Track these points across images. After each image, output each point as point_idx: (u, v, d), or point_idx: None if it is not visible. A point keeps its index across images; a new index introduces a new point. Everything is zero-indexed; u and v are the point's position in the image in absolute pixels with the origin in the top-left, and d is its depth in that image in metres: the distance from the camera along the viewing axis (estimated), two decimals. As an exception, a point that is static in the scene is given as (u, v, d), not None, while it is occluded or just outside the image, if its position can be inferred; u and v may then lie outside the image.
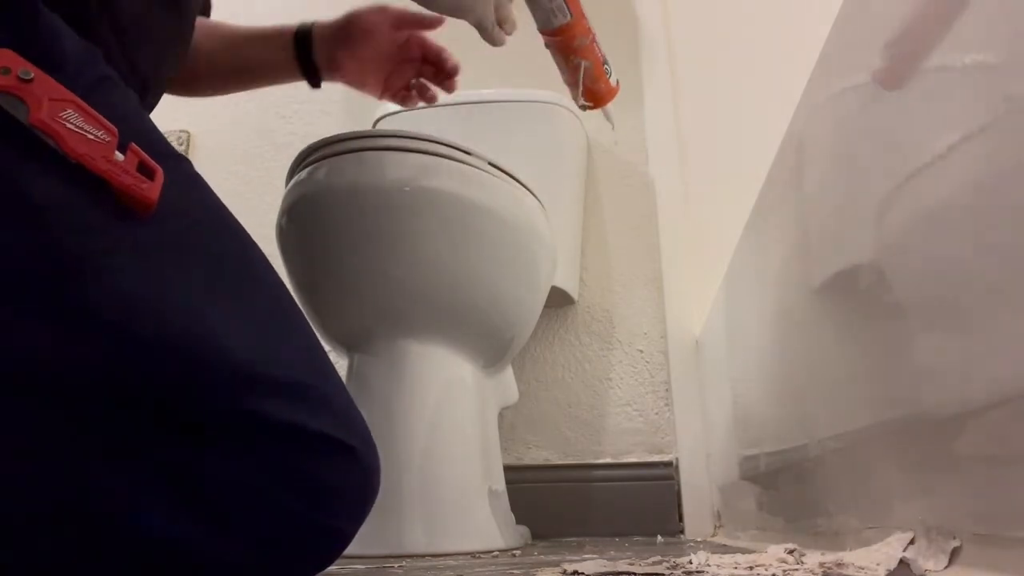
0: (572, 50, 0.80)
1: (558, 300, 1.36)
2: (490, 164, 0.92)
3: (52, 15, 0.50)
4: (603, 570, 0.45)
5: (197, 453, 0.44)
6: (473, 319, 0.93)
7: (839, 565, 0.42)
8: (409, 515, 0.83)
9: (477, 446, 0.94)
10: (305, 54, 0.83)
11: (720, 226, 0.98)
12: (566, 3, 0.77)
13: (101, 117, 0.46)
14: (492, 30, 0.71)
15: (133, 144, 0.46)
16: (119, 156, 0.46)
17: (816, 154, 0.58)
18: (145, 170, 0.46)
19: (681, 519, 1.27)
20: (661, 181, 1.44)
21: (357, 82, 0.85)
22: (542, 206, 1.01)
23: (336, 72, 0.84)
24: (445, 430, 0.90)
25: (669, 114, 1.46)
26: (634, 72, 1.51)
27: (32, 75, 0.45)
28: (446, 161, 0.88)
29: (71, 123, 0.45)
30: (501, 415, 1.12)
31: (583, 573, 0.45)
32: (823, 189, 0.56)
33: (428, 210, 0.87)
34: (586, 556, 0.63)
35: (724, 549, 0.71)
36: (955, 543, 0.39)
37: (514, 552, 0.87)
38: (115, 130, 0.46)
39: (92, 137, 0.45)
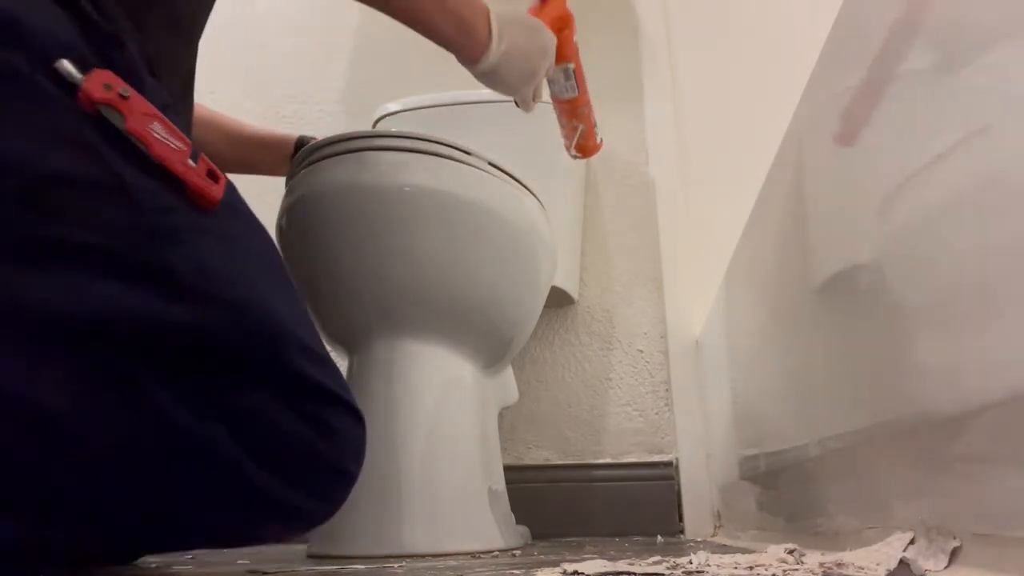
0: (574, 115, 1.02)
1: (558, 300, 1.36)
2: (490, 164, 0.92)
3: (133, 51, 0.62)
4: (603, 570, 0.45)
5: (249, 400, 0.56)
6: (473, 319, 0.93)
7: (839, 565, 0.42)
8: (409, 515, 0.83)
9: (477, 446, 0.94)
10: None
11: (720, 226, 0.98)
12: (576, 83, 0.98)
13: (178, 131, 0.59)
14: (528, 103, 0.91)
15: (203, 154, 0.60)
16: (191, 163, 0.59)
17: (816, 154, 0.58)
18: (212, 175, 0.60)
19: (681, 519, 1.27)
20: (661, 181, 1.44)
21: None
22: (542, 206, 1.01)
23: None
24: (445, 430, 0.90)
25: (669, 114, 1.46)
26: (634, 72, 1.51)
27: (129, 93, 0.58)
28: (446, 161, 0.88)
29: (157, 133, 0.58)
30: (501, 415, 1.12)
31: (583, 573, 0.45)
32: (823, 189, 0.56)
33: (428, 210, 0.87)
34: (586, 556, 0.63)
35: (724, 549, 0.71)
36: (955, 543, 0.39)
37: (514, 552, 0.87)
38: (189, 142, 0.59)
39: (172, 146, 0.58)
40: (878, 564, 0.40)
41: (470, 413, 0.94)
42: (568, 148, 1.06)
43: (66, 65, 0.56)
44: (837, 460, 0.58)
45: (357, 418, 0.63)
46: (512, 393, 1.15)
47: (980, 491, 0.37)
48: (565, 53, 0.94)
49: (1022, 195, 0.31)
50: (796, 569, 0.43)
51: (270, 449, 0.57)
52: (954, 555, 0.38)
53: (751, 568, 0.44)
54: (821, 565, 0.43)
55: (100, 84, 0.56)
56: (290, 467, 0.58)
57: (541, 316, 1.14)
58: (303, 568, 0.62)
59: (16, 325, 0.51)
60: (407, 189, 0.85)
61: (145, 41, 0.64)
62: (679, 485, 1.29)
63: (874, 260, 0.46)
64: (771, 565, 0.45)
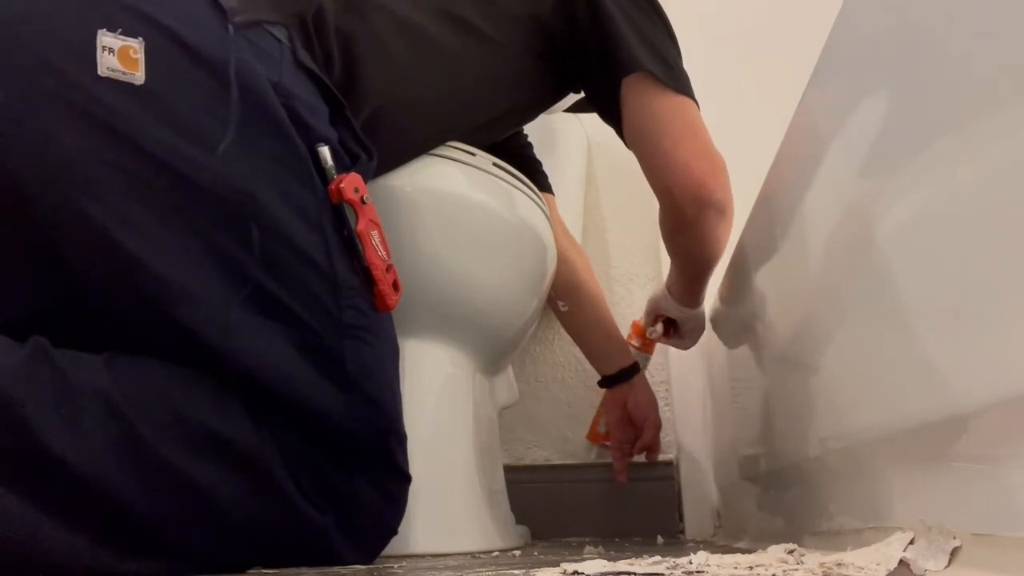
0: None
1: (558, 300, 1.36)
2: (494, 164, 0.92)
3: (372, 166, 0.75)
4: (603, 570, 0.45)
5: (354, 488, 0.65)
6: (473, 319, 0.93)
7: (839, 565, 0.42)
8: (409, 515, 0.83)
9: (477, 446, 0.94)
10: None
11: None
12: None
13: (387, 242, 0.70)
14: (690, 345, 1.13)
15: (394, 266, 0.70)
16: (386, 273, 0.69)
17: (817, 154, 0.58)
18: (395, 286, 0.70)
19: (681, 519, 1.27)
20: (661, 181, 1.44)
21: None
22: (544, 207, 1.01)
23: None
24: (445, 430, 0.90)
25: (669, 114, 1.45)
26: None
27: (368, 200, 0.68)
28: (449, 161, 0.88)
29: (374, 240, 0.68)
30: (501, 415, 1.12)
31: (583, 573, 0.45)
32: (823, 188, 0.56)
33: (430, 210, 0.87)
34: (586, 556, 0.63)
35: (724, 549, 0.71)
36: (955, 543, 0.39)
37: (514, 552, 0.87)
38: (390, 254, 0.70)
39: (380, 254, 0.68)
40: (878, 564, 0.40)
41: (470, 413, 0.94)
42: (598, 427, 1.31)
43: (325, 152, 0.66)
44: (837, 460, 0.58)
45: (408, 480, 0.70)
46: (512, 393, 1.15)
47: (980, 491, 0.37)
48: (652, 349, 1.23)
49: (1022, 195, 0.31)
50: (796, 569, 0.43)
51: (359, 527, 0.66)
52: (954, 555, 0.38)
53: (751, 568, 0.44)
54: (821, 565, 0.43)
55: (352, 186, 0.66)
56: (367, 540, 0.67)
57: (541, 316, 1.14)
58: (303, 567, 0.62)
59: (215, 364, 0.59)
60: (408, 189, 0.85)
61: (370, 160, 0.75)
62: (679, 485, 1.29)
63: (874, 259, 0.46)
64: (771, 565, 0.45)
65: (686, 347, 1.12)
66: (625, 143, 0.90)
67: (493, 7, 0.85)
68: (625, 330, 1.23)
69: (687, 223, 0.88)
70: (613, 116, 0.88)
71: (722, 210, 0.86)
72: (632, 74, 0.83)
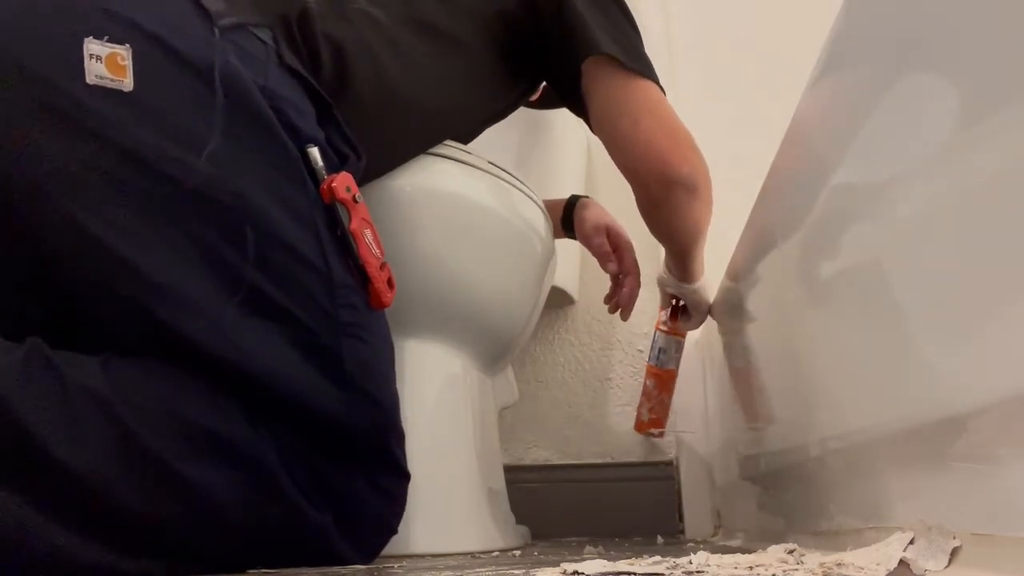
0: (665, 388, 1.21)
1: (558, 300, 1.36)
2: (490, 164, 0.92)
3: (361, 165, 0.75)
4: (603, 570, 0.45)
5: (351, 486, 0.66)
6: (473, 320, 0.93)
7: (839, 565, 0.42)
8: (409, 515, 0.83)
9: (477, 446, 0.94)
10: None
11: (720, 226, 0.98)
12: (679, 359, 1.19)
13: (379, 240, 0.70)
14: (699, 325, 1.09)
15: (388, 264, 0.71)
16: (380, 271, 0.69)
17: (817, 153, 0.58)
18: (389, 283, 0.71)
19: (681, 519, 1.27)
20: (661, 181, 1.43)
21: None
22: (542, 206, 1.01)
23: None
24: (445, 430, 0.90)
25: (669, 114, 1.45)
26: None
27: (361, 199, 0.69)
28: (448, 160, 0.88)
29: (367, 239, 0.69)
30: (501, 415, 1.12)
31: (583, 573, 0.45)
32: (823, 189, 0.56)
33: (428, 210, 0.87)
34: (586, 556, 0.63)
35: (724, 549, 0.71)
36: (955, 543, 0.39)
37: (514, 552, 0.86)
38: (383, 251, 0.71)
39: (374, 252, 0.69)
40: (878, 564, 0.40)
41: (470, 413, 0.94)
42: (642, 416, 1.23)
43: (315, 153, 0.67)
44: (837, 460, 0.58)
45: (407, 478, 0.70)
46: (512, 393, 1.15)
47: (980, 491, 0.37)
48: (682, 332, 1.17)
49: (1022, 195, 0.31)
50: (796, 569, 0.43)
51: (358, 526, 0.66)
52: (954, 555, 0.38)
53: (751, 568, 0.44)
54: (821, 565, 0.43)
55: (344, 185, 0.67)
56: (366, 539, 0.68)
57: (541, 316, 1.14)
58: (303, 567, 0.62)
59: (212, 364, 0.59)
60: (407, 189, 0.85)
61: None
62: (679, 485, 1.29)
63: (875, 259, 0.46)
64: (771, 565, 0.45)
65: (694, 326, 1.09)
66: (592, 130, 0.91)
67: (457, 7, 0.86)
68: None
69: (657, 202, 0.87)
70: (579, 105, 0.89)
71: (691, 187, 0.84)
72: (591, 57, 0.84)
